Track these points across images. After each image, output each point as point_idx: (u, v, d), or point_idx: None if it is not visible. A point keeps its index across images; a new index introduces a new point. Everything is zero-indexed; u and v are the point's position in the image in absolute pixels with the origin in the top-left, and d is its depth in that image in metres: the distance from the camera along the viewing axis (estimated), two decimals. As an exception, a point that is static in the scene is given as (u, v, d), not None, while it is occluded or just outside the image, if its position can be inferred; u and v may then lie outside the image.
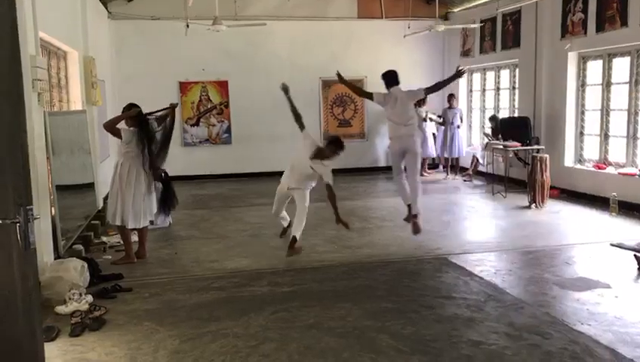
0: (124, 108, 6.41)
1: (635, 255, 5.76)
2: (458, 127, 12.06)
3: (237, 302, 4.97)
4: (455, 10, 12.56)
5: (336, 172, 12.80)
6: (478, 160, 11.80)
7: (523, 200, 9.09)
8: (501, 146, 9.92)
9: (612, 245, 6.47)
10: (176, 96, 12.50)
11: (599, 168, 9.03)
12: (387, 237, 7.30)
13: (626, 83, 8.61)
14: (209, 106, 12.79)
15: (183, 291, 5.30)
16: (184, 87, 12.60)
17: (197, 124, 12.76)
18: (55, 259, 5.65)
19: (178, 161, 11.58)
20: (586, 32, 9.04)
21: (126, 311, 4.80)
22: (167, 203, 6.75)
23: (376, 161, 13.60)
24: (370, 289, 5.27)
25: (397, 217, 8.43)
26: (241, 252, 6.68)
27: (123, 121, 6.28)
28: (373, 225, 7.94)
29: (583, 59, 9.47)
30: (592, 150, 9.45)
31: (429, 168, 12.90)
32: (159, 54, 12.17)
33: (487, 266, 5.83)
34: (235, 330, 4.33)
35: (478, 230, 7.88)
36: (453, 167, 12.37)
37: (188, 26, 9.98)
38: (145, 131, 6.17)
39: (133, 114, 6.19)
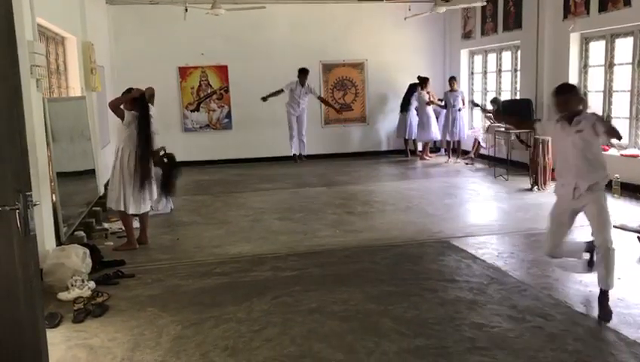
0: (123, 93, 6.37)
1: (638, 236, 5.75)
2: (459, 110, 12.00)
3: (239, 287, 4.96)
4: (456, -9, 12.43)
5: (337, 156, 12.93)
6: (479, 143, 11.76)
7: (525, 182, 9.06)
8: (503, 129, 9.87)
9: (615, 227, 6.41)
10: (175, 81, 12.46)
11: (602, 150, 8.97)
12: (389, 221, 7.28)
13: (629, 64, 8.54)
14: (209, 91, 12.73)
15: (186, 276, 5.30)
16: (183, 72, 12.53)
17: (197, 109, 12.72)
18: (57, 245, 5.65)
19: (178, 146, 11.53)
20: (588, 13, 8.95)
21: (128, 297, 4.81)
22: (167, 188, 6.73)
23: (377, 145, 13.56)
24: (373, 273, 5.27)
25: (398, 201, 8.43)
26: (244, 237, 6.68)
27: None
28: (375, 209, 7.93)
29: (585, 40, 9.39)
30: (594, 132, 9.38)
31: (430, 152, 12.87)
32: (158, 39, 12.08)
33: (490, 249, 5.83)
34: (237, 315, 4.34)
35: (480, 213, 7.87)
36: (455, 150, 12.33)
37: (187, 10, 9.92)
38: (144, 115, 6.13)
39: (136, 94, 6.14)
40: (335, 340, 3.87)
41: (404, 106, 12.64)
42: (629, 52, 8.53)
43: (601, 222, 4.31)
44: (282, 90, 11.53)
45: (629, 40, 8.50)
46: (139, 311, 4.49)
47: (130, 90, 6.28)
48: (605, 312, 4.09)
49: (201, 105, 12.73)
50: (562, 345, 3.68)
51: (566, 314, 4.17)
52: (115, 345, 3.91)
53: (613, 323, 3.97)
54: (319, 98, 12.05)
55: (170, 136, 11.44)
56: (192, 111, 12.70)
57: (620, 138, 4.53)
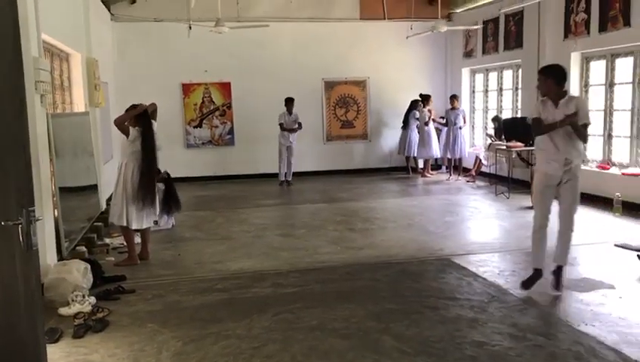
0: (127, 109, 6.42)
1: (638, 255, 5.73)
2: (460, 128, 12.05)
3: (240, 304, 4.96)
4: (457, 10, 12.54)
5: (338, 173, 12.95)
6: (481, 160, 11.79)
7: (526, 200, 9.05)
8: (504, 147, 9.90)
9: (616, 245, 6.44)
10: (179, 97, 12.54)
11: (603, 168, 9.00)
12: (390, 238, 7.28)
13: (629, 83, 8.59)
14: (212, 108, 12.80)
15: (186, 292, 5.29)
16: (187, 88, 12.62)
17: (200, 125, 12.78)
18: (58, 260, 5.66)
19: (181, 162, 11.63)
20: (589, 33, 9.02)
21: (129, 313, 4.80)
22: (169, 204, 6.75)
23: (378, 161, 13.59)
24: (374, 290, 5.26)
25: (399, 218, 8.44)
26: (245, 253, 6.68)
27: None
28: (376, 226, 7.93)
29: (586, 60, 9.45)
30: (595, 150, 9.42)
31: (432, 169, 12.90)
32: (162, 56, 12.19)
33: (491, 267, 5.82)
34: (238, 332, 4.33)
35: (482, 231, 7.86)
36: (456, 167, 12.35)
37: (190, 27, 10.00)
38: (148, 131, 6.17)
39: (140, 111, 6.19)
40: (336, 357, 3.86)
41: (406, 123, 12.69)
42: (629, 71, 8.58)
43: (573, 203, 4.96)
44: (283, 124, 11.63)
45: (630, 60, 8.56)
46: (139, 327, 4.49)
47: (134, 106, 6.33)
48: (560, 284, 4.94)
49: (204, 121, 12.79)
50: (563, 364, 3.67)
51: (567, 332, 4.16)
52: (115, 361, 3.90)
53: (615, 341, 3.95)
54: (299, 124, 11.84)
55: (173, 152, 11.53)
56: (194, 127, 12.77)
57: (584, 141, 5.08)
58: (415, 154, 12.78)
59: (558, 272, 5.05)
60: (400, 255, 6.42)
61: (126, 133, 6.13)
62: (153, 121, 6.52)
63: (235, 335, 4.26)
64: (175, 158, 11.07)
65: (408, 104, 12.74)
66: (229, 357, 3.92)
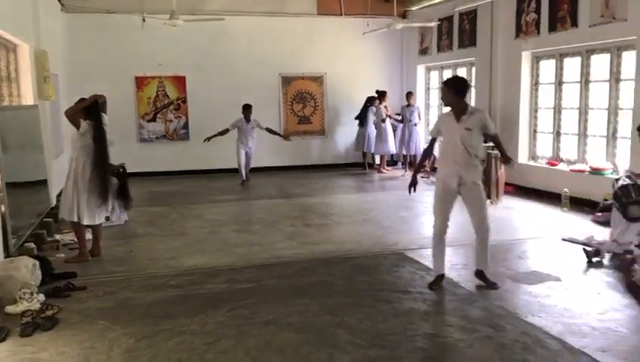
0: (76, 102, 6.27)
1: (584, 249, 5.94)
2: (415, 124, 12.22)
3: (194, 300, 4.92)
4: (413, 8, 12.72)
5: (295, 168, 12.95)
6: (435, 157, 11.95)
7: (478, 196, 9.26)
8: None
9: (563, 240, 6.66)
10: (132, 90, 12.31)
11: (551, 165, 9.29)
12: (346, 233, 7.34)
13: (577, 82, 8.87)
14: (166, 102, 12.62)
15: (139, 289, 5.22)
16: (140, 81, 12.40)
17: (154, 119, 12.58)
18: (5, 257, 5.49)
19: (134, 157, 11.40)
20: (539, 32, 9.27)
21: (80, 310, 4.71)
22: (123, 199, 6.63)
23: (335, 157, 13.66)
24: (329, 284, 5.30)
25: (355, 213, 8.51)
26: (199, 249, 6.62)
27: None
28: (332, 222, 7.98)
29: (536, 59, 9.72)
30: (545, 147, 9.71)
31: (387, 165, 13.04)
32: (115, 48, 11.93)
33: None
34: (191, 328, 4.29)
35: (435, 225, 7.99)
36: (412, 163, 12.51)
37: (144, 20, 9.83)
38: (99, 124, 6.03)
39: (91, 101, 6.04)
40: (290, 352, 3.88)
41: (363, 120, 12.78)
42: (577, 71, 8.86)
43: (483, 209, 5.08)
44: (228, 130, 11.15)
45: (577, 59, 8.84)
46: (90, 324, 4.40)
47: (83, 99, 6.18)
48: (490, 281, 5.07)
49: (158, 115, 12.60)
50: (511, 355, 3.78)
51: (515, 324, 4.28)
52: (64, 359, 3.82)
53: (560, 332, 4.10)
54: (267, 129, 11.49)
55: (126, 147, 11.31)
56: (148, 121, 12.55)
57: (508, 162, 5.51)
58: (372, 150, 12.89)
59: (482, 274, 5.17)
60: (355, 250, 6.48)
61: (77, 125, 5.98)
62: (103, 114, 6.39)
63: (189, 331, 4.23)
64: (128, 153, 10.85)
65: (364, 100, 12.83)
66: (183, 353, 3.89)
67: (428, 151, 5.46)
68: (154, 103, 12.54)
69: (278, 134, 11.94)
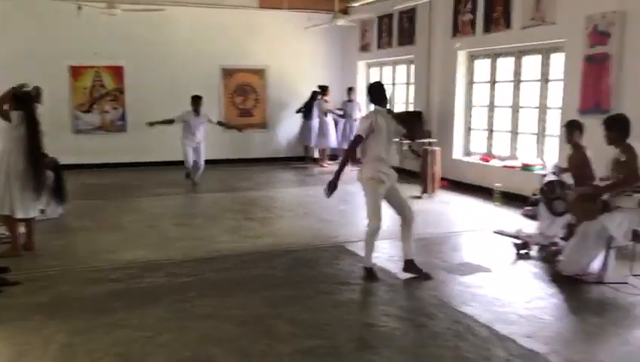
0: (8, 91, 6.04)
1: (513, 241, 6.24)
2: (356, 119, 12.40)
3: (133, 294, 4.88)
4: (354, 4, 12.84)
5: (236, 162, 12.88)
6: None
7: (416, 190, 9.53)
8: (397, 139, 10.31)
9: (494, 232, 6.97)
10: (67, 80, 11.93)
11: (485, 161, 9.65)
12: (287, 226, 7.42)
13: (509, 81, 9.25)
14: (102, 92, 12.30)
15: (76, 284, 5.12)
16: (76, 71, 12.03)
17: (89, 110, 12.24)
18: None
19: (69, 148, 11.06)
20: (474, 33, 9.59)
21: (13, 306, 4.59)
22: (58, 192, 6.46)
23: (277, 151, 13.69)
24: (269, 277, 5.37)
25: (296, 207, 8.60)
26: (138, 243, 6.54)
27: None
28: (274, 215, 8.03)
29: (471, 58, 10.05)
30: (478, 144, 10.08)
31: (329, 159, 13.17)
32: (48, 36, 11.50)
33: (382, 253, 6.07)
34: (131, 321, 4.27)
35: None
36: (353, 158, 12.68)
37: (80, 7, 9.53)
38: (32, 115, 5.85)
39: (9, 92, 5.80)
40: (230, 344, 3.92)
41: (308, 113, 12.85)
42: (510, 70, 9.24)
43: (406, 202, 5.48)
44: (173, 121, 10.22)
45: (510, 60, 9.22)
46: (24, 320, 4.30)
47: (14, 89, 5.96)
48: (423, 271, 5.31)
49: (94, 106, 12.27)
50: (443, 342, 3.96)
51: (448, 313, 4.48)
52: (-3, 356, 3.74)
53: (489, 320, 4.32)
54: (219, 123, 10.99)
55: (60, 138, 10.95)
56: (84, 112, 12.21)
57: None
58: (314, 144, 13.00)
59: (412, 264, 5.38)
60: (296, 243, 6.56)
61: (6, 117, 5.77)
62: (38, 105, 6.19)
63: (128, 325, 4.20)
64: (62, 144, 10.51)
65: (306, 94, 12.92)
66: (122, 346, 3.87)
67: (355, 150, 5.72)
68: (90, 94, 12.20)
69: (233, 127, 11.65)
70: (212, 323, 4.26)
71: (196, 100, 10.29)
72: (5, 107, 5.77)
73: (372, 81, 5.82)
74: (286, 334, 4.07)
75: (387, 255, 6.05)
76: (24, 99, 5.85)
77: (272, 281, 5.24)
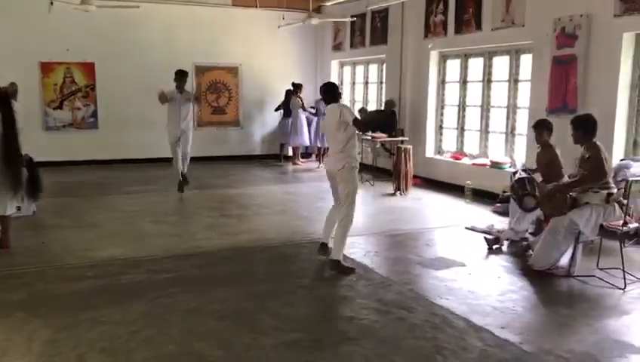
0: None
1: (484, 237, 6.43)
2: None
3: (115, 290, 4.90)
4: (328, 4, 12.96)
5: (210, 159, 12.85)
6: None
7: (389, 188, 9.70)
8: (369, 137, 10.47)
9: (466, 228, 7.16)
10: (37, 76, 11.76)
11: (456, 159, 9.87)
12: (265, 223, 7.48)
13: (480, 81, 9.48)
14: (73, 89, 12.16)
15: (55, 281, 5.11)
16: (46, 67, 11.86)
17: (60, 107, 12.09)
18: None
19: (39, 145, 10.87)
20: (446, 33, 9.80)
21: (-8, 304, 4.57)
22: (33, 189, 6.41)
23: (251, 149, 13.72)
24: (250, 273, 5.44)
25: (273, 204, 8.67)
26: (115, 240, 6.54)
27: None
28: (251, 212, 8.09)
29: (443, 58, 10.26)
30: (450, 142, 10.30)
31: (302, 157, 13.26)
32: (18, 32, 11.30)
33: (358, 248, 6.21)
34: (114, 317, 4.30)
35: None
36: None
37: (52, 3, 9.40)
38: (9, 112, 5.80)
39: None
40: (214, 338, 3.99)
41: (286, 111, 12.88)
42: (480, 71, 9.47)
43: (346, 196, 5.49)
44: (166, 97, 8.87)
45: (480, 60, 9.44)
46: (5, 317, 4.29)
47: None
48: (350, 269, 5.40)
49: (65, 102, 12.12)
50: (422, 333, 4.10)
51: (425, 305, 4.62)
52: (-19, 353, 3.73)
53: (465, 312, 4.47)
54: (195, 99, 9.69)
55: (30, 135, 10.71)
56: (54, 108, 12.05)
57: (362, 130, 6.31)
58: (289, 142, 13.07)
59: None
60: (275, 239, 6.64)
61: None
62: (14, 102, 6.13)
63: (111, 321, 4.23)
64: (33, 141, 10.23)
65: (281, 92, 12.98)
66: (106, 342, 3.90)
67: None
68: (61, 90, 12.05)
69: (197, 98, 10.27)
70: (195, 318, 4.32)
71: (181, 76, 9.07)
72: None
73: (327, 81, 5.99)
74: (269, 328, 4.16)
75: (364, 250, 6.18)
76: (1, 98, 5.80)
77: (254, 276, 5.32)
